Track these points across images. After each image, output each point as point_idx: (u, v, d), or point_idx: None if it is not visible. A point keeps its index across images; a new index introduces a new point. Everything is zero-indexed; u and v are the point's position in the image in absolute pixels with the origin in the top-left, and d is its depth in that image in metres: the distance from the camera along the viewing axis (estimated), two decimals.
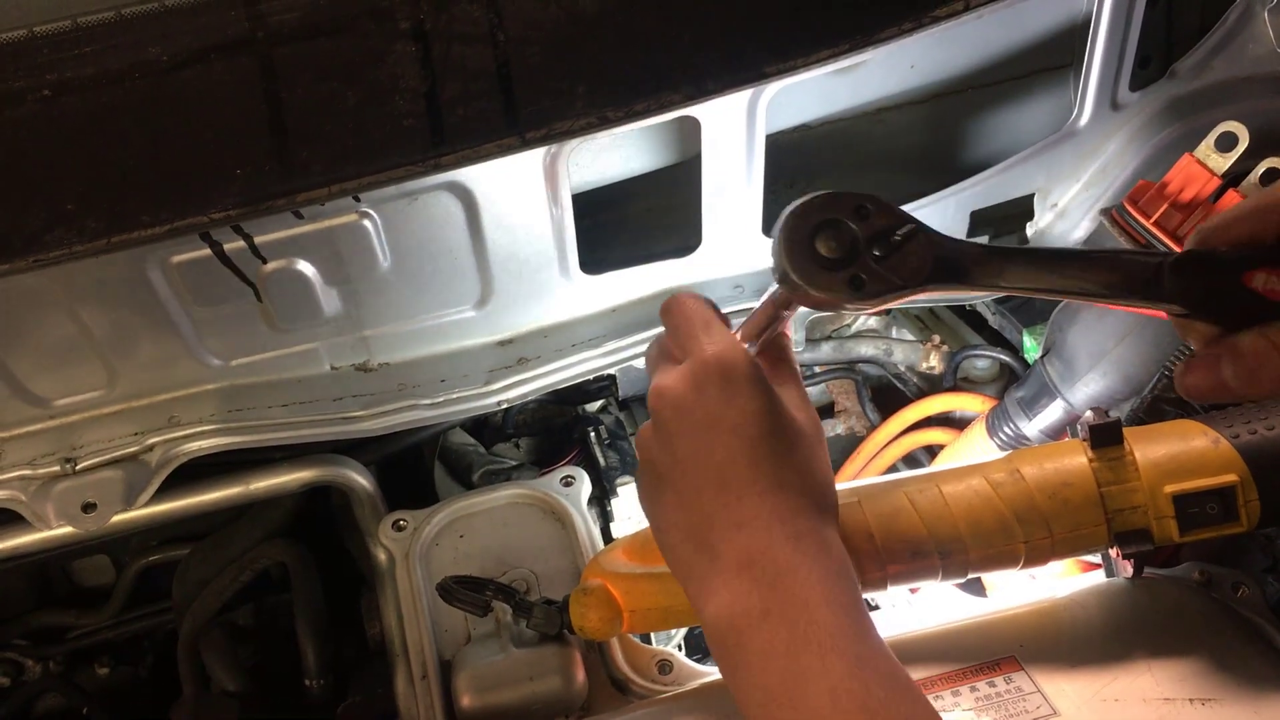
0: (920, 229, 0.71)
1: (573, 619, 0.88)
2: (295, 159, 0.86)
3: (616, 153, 1.11)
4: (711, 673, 0.94)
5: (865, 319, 1.37)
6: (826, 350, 1.37)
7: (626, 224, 1.19)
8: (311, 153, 0.86)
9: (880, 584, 0.85)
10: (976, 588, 1.12)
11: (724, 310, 1.11)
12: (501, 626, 0.95)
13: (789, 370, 0.80)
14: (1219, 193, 0.99)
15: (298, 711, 1.13)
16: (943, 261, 0.71)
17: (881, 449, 1.38)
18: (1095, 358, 1.11)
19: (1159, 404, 1.03)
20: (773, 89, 0.98)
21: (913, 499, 0.85)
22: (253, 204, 0.86)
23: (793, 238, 0.70)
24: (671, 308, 0.80)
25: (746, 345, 0.78)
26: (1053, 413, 1.16)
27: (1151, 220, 0.99)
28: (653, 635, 1.08)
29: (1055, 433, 1.17)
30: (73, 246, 0.83)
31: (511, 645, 0.94)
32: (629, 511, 1.18)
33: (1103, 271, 0.71)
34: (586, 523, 1.07)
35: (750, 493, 0.70)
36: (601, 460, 1.24)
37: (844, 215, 0.71)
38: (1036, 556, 0.85)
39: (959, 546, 0.84)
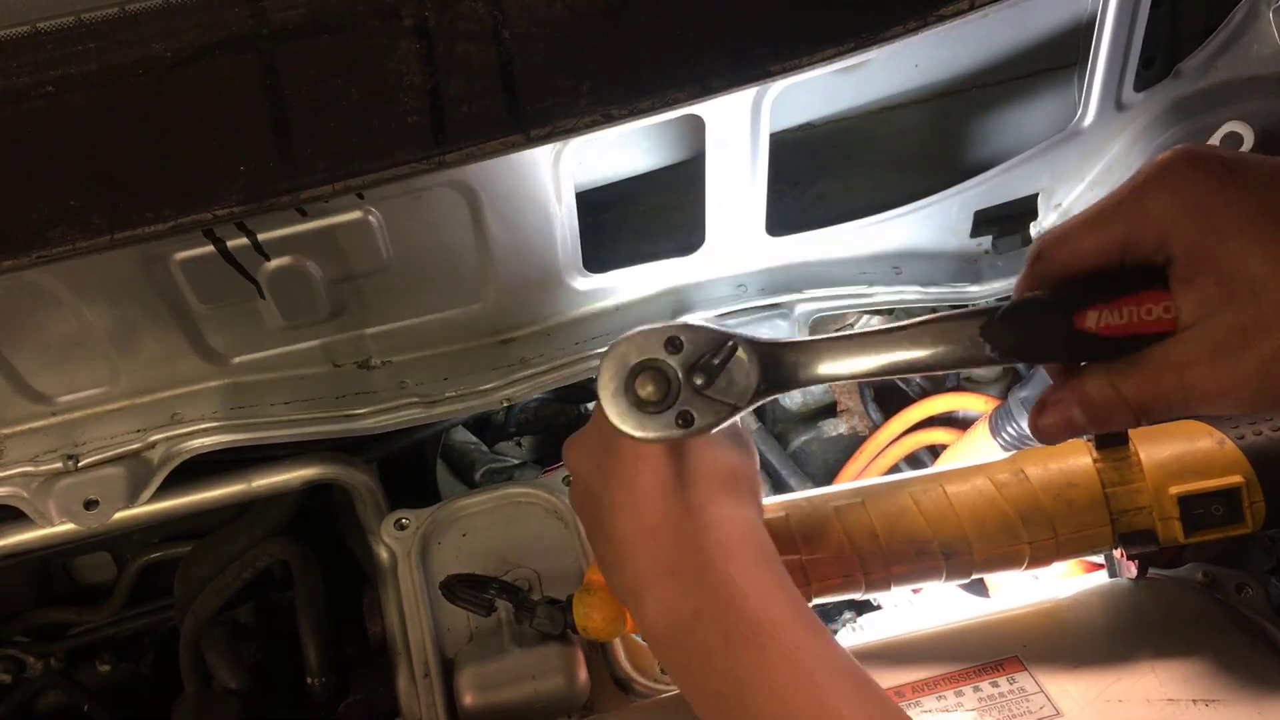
0: (737, 341, 0.70)
1: (576, 619, 0.88)
2: (299, 156, 0.86)
3: (620, 151, 1.11)
4: None
5: (868, 319, 1.37)
6: None
7: (630, 222, 1.18)
8: (315, 150, 0.86)
9: (884, 584, 0.85)
10: (979, 588, 1.12)
11: (726, 310, 1.13)
12: (504, 625, 0.95)
13: None
14: None
15: (299, 710, 1.13)
16: (769, 369, 0.70)
17: (884, 449, 1.37)
18: None
19: None
20: (777, 88, 0.98)
21: (917, 499, 0.85)
22: (256, 201, 0.85)
23: (613, 392, 0.70)
24: None
25: None
26: None
27: None
28: None
29: None
30: (76, 243, 0.82)
31: (514, 644, 0.94)
32: None
33: (929, 343, 0.69)
34: None
35: (656, 495, 0.72)
36: None
37: (656, 354, 0.70)
38: (1041, 557, 0.85)
39: (963, 547, 0.84)
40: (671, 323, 0.71)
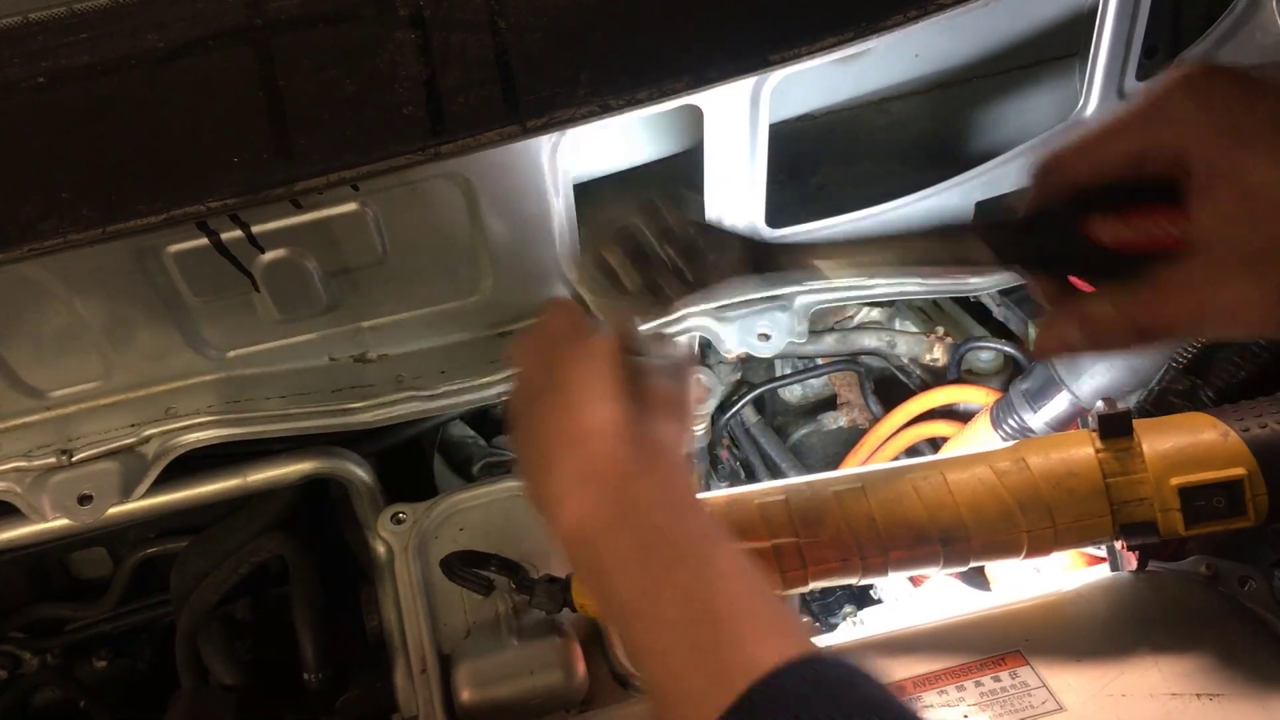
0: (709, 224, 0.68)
1: (575, 596, 0.87)
2: (293, 148, 0.85)
3: (618, 142, 1.10)
4: None
5: (868, 310, 1.36)
6: (829, 342, 1.36)
7: None
8: (310, 141, 0.85)
9: (881, 569, 0.84)
10: (981, 582, 1.11)
11: (725, 301, 1.12)
12: (502, 620, 0.95)
13: None
14: None
15: (296, 705, 1.13)
16: (755, 250, 0.67)
17: (884, 442, 1.37)
18: None
19: (1166, 396, 1.02)
20: (776, 77, 0.97)
21: (916, 485, 0.85)
22: (250, 193, 0.85)
23: (582, 253, 0.69)
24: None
25: None
26: (1058, 405, 1.15)
27: None
28: None
29: (1061, 425, 1.16)
30: (68, 235, 0.82)
31: (512, 639, 0.93)
32: None
33: (931, 244, 0.65)
34: None
35: (595, 401, 0.70)
36: None
37: (636, 219, 0.66)
38: (1039, 546, 0.84)
39: (961, 534, 0.83)
40: (656, 193, 0.68)
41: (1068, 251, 0.63)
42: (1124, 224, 0.60)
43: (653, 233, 0.66)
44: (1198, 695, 0.81)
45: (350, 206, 0.93)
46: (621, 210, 0.67)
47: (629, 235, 0.66)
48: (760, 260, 0.68)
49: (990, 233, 0.64)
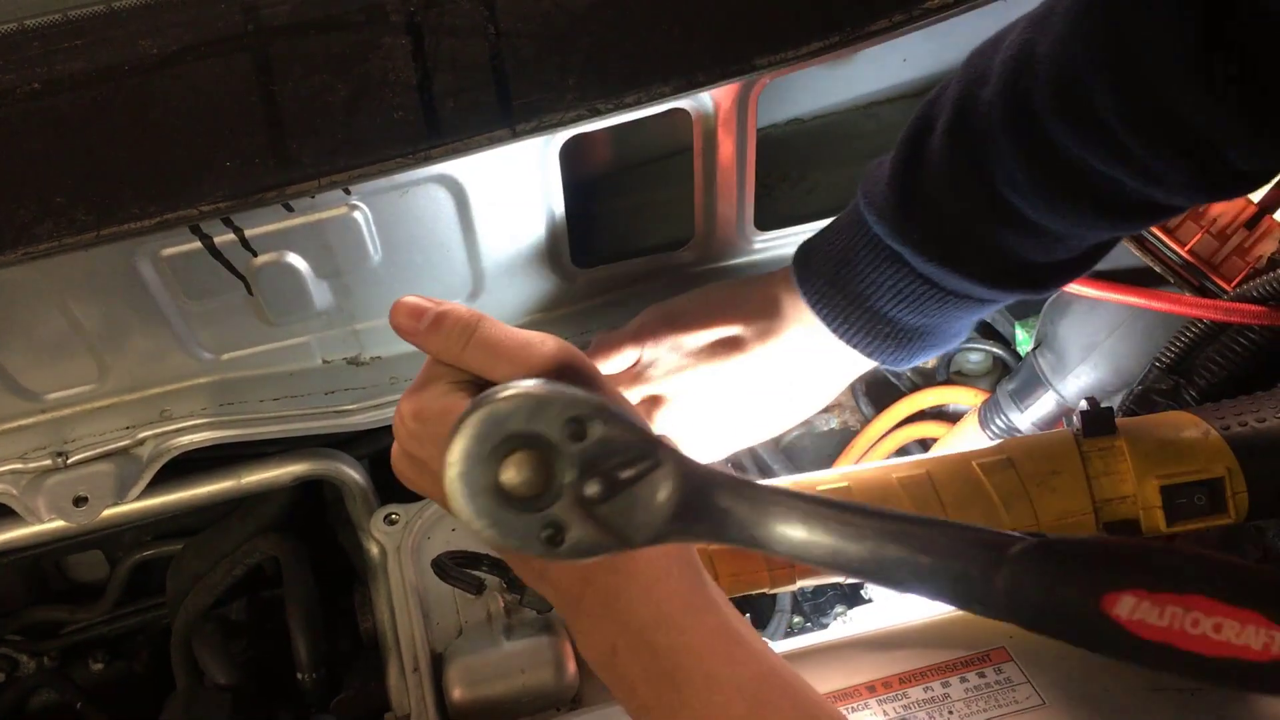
0: (662, 458, 0.52)
1: None
2: (285, 151, 0.86)
3: (608, 144, 1.11)
4: None
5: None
6: None
7: (618, 217, 1.19)
8: (302, 145, 0.86)
9: None
10: None
11: None
12: (493, 619, 0.96)
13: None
14: (1255, 219, 0.99)
15: (291, 705, 1.13)
16: (689, 508, 0.53)
17: (875, 443, 1.38)
18: (1087, 350, 1.11)
19: (1149, 395, 1.03)
20: (765, 81, 0.98)
21: (902, 484, 0.85)
22: (243, 196, 0.86)
23: (468, 460, 0.50)
24: (398, 324, 0.69)
25: None
26: (1045, 404, 1.16)
27: (1186, 248, 0.99)
28: None
29: (1047, 424, 1.17)
30: (62, 239, 0.83)
31: (503, 638, 0.94)
32: None
33: (926, 548, 0.53)
34: None
35: None
36: None
37: (547, 431, 0.51)
38: None
39: None
40: (582, 394, 0.52)
41: (1078, 616, 0.52)
42: (1155, 606, 0.50)
43: (573, 456, 0.51)
44: (1179, 690, 0.81)
45: (342, 210, 0.94)
46: (536, 411, 0.51)
47: (540, 453, 0.51)
48: (694, 508, 0.53)
49: (996, 559, 0.53)
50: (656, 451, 0.52)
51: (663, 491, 0.52)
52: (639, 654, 0.62)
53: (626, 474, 0.52)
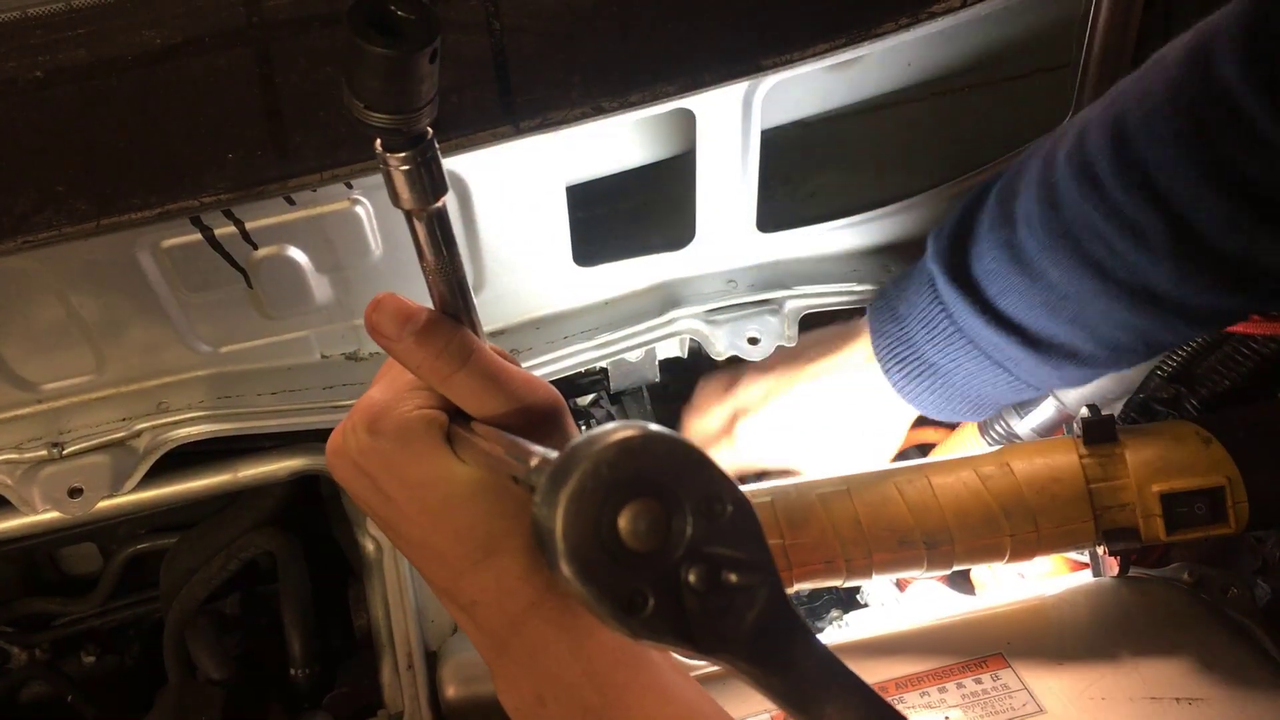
0: (774, 578, 0.48)
1: None
2: (288, 144, 0.86)
3: (611, 144, 1.11)
4: (699, 664, 0.94)
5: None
6: None
7: (620, 217, 1.18)
8: (304, 138, 0.86)
9: (866, 572, 0.85)
10: (965, 586, 1.12)
11: (715, 305, 1.12)
12: None
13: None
14: None
15: (284, 701, 1.13)
16: (769, 634, 0.48)
17: None
18: None
19: (1150, 404, 1.03)
20: (769, 83, 0.98)
21: (901, 489, 0.85)
22: (244, 189, 0.85)
23: (602, 481, 0.44)
24: (376, 323, 0.64)
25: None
26: (1044, 411, 1.15)
27: None
28: None
29: (1047, 431, 1.16)
30: (62, 228, 0.82)
31: None
32: None
33: None
34: None
35: (465, 568, 0.61)
36: None
37: (687, 496, 0.45)
38: (1022, 550, 0.85)
39: (945, 537, 0.84)
40: (727, 474, 0.46)
41: None
42: None
43: (695, 535, 0.45)
44: (1177, 700, 0.81)
45: (344, 204, 0.94)
46: (682, 478, 0.45)
47: (661, 514, 0.45)
48: (769, 643, 0.48)
49: None
50: (770, 566, 0.48)
51: (754, 612, 0.47)
52: (569, 709, 0.59)
53: (732, 578, 0.47)
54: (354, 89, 0.52)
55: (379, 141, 0.56)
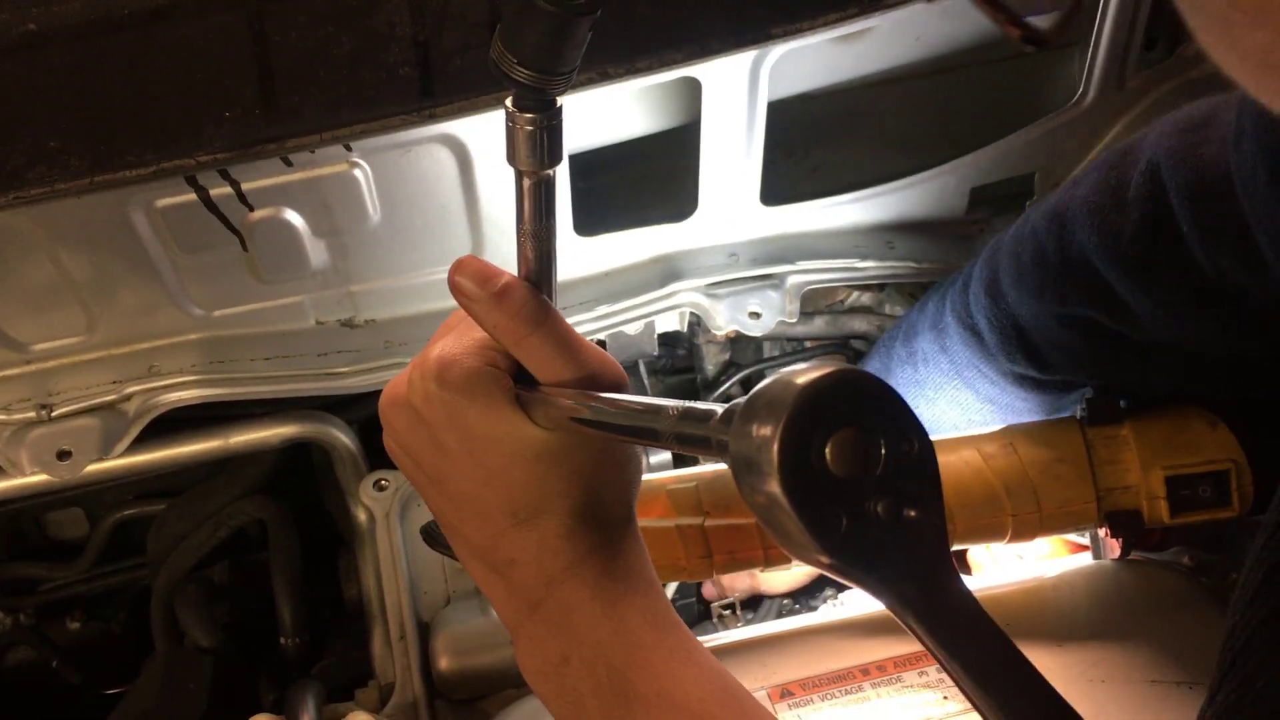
0: (940, 524, 0.49)
1: None
2: (286, 104, 0.84)
3: (615, 113, 1.09)
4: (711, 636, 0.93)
5: (859, 294, 1.35)
6: (819, 324, 1.35)
7: (622, 187, 1.17)
8: (303, 98, 0.84)
9: None
10: (963, 567, 1.11)
11: (717, 279, 1.11)
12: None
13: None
14: None
15: (272, 670, 1.12)
16: (930, 566, 0.49)
17: None
18: None
19: None
20: (777, 53, 0.97)
21: None
22: (241, 148, 0.84)
23: (819, 407, 0.46)
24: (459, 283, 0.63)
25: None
26: None
27: None
28: None
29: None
30: (55, 184, 0.81)
31: (491, 608, 0.93)
32: None
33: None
34: None
35: (508, 526, 0.62)
36: None
37: (881, 431, 0.47)
38: (1024, 531, 0.84)
39: (946, 516, 0.83)
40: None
41: None
42: None
43: (888, 465, 0.47)
44: (1177, 683, 0.81)
45: (342, 166, 0.92)
46: (879, 408, 0.48)
47: (866, 441, 0.47)
48: (930, 578, 0.49)
49: None
50: (940, 506, 0.49)
51: (925, 548, 0.48)
52: (593, 668, 0.60)
53: (911, 514, 0.48)
54: (508, 40, 0.54)
55: (510, 99, 0.57)
